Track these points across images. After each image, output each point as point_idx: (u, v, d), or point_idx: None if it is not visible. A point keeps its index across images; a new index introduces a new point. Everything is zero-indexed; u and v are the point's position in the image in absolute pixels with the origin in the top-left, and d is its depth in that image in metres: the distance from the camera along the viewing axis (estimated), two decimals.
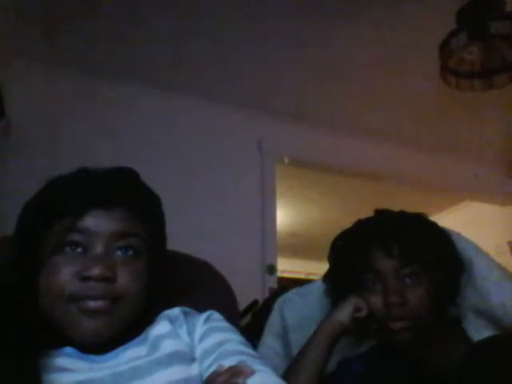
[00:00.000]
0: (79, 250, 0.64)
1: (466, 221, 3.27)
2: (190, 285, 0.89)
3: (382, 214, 1.00)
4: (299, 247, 4.42)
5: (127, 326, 0.66)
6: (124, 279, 0.64)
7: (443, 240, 0.95)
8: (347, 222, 1.04)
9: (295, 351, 0.97)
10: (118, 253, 0.65)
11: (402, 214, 0.98)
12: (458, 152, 2.94)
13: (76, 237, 0.64)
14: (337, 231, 1.04)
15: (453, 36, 1.56)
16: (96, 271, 0.61)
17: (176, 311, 0.74)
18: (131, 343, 0.67)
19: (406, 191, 3.02)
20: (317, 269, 2.85)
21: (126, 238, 0.66)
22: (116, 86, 2.28)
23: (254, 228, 2.39)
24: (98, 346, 0.63)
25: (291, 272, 4.52)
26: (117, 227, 0.66)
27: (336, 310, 0.94)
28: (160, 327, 0.69)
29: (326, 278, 1.03)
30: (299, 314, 1.10)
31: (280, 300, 1.15)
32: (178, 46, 2.13)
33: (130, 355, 0.64)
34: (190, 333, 0.70)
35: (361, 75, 2.31)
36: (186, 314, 0.74)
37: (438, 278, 0.91)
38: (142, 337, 0.69)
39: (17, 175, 1.83)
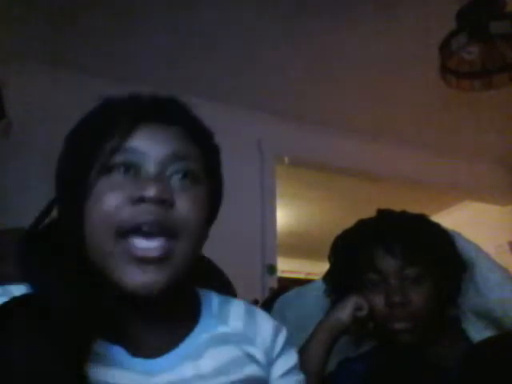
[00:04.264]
0: (130, 172, 0.54)
1: (466, 221, 3.27)
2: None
3: (384, 214, 1.00)
4: (299, 247, 4.42)
5: (184, 278, 0.56)
6: (183, 206, 0.54)
7: (445, 240, 0.95)
8: (347, 222, 1.04)
9: None
10: (175, 177, 0.55)
11: (405, 214, 0.98)
12: (457, 152, 2.94)
13: (125, 158, 0.54)
14: (337, 231, 1.04)
15: (453, 36, 1.56)
16: (151, 192, 0.51)
17: (240, 306, 0.65)
18: (190, 345, 0.57)
19: (405, 191, 3.02)
20: (317, 269, 2.85)
21: (183, 161, 0.56)
22: (115, 86, 2.27)
23: (254, 228, 2.39)
24: (153, 299, 0.52)
25: (291, 272, 4.51)
26: (173, 147, 0.56)
27: (336, 309, 0.94)
28: (223, 318, 0.62)
29: (327, 277, 1.03)
30: (298, 314, 1.10)
31: (280, 300, 1.15)
32: (177, 46, 2.13)
33: (191, 371, 0.55)
34: (268, 353, 0.62)
35: (361, 75, 2.31)
36: (251, 315, 0.65)
37: (439, 279, 0.91)
38: (199, 329, 0.59)
39: (17, 175, 1.83)
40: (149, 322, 0.57)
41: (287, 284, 2.12)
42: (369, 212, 1.02)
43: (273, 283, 2.33)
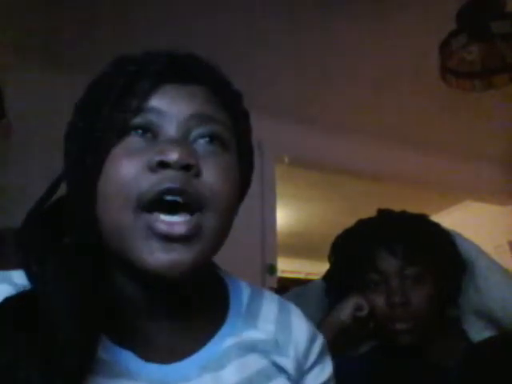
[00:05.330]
0: (147, 136, 0.47)
1: (466, 221, 3.27)
2: None
3: (384, 214, 1.00)
4: (299, 247, 4.42)
5: (211, 259, 0.50)
6: (211, 174, 0.45)
7: (445, 240, 0.95)
8: (347, 222, 1.04)
9: None
10: (201, 141, 0.47)
11: (405, 214, 0.99)
12: (458, 152, 2.94)
13: (142, 119, 0.46)
14: (337, 231, 1.04)
15: (453, 36, 1.55)
16: (173, 155, 0.43)
17: (273, 302, 0.57)
18: (213, 351, 0.49)
19: (405, 191, 3.02)
20: (317, 269, 2.84)
21: (209, 123, 0.48)
22: None
23: (254, 228, 2.39)
24: (176, 282, 0.46)
25: (291, 272, 4.51)
26: (196, 108, 0.48)
27: (337, 309, 0.94)
28: (252, 322, 0.53)
29: (327, 277, 1.03)
30: None
31: None
32: (177, 46, 2.13)
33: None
34: (300, 364, 0.54)
35: (361, 75, 2.31)
36: (285, 315, 0.57)
37: (440, 279, 0.91)
38: (224, 332, 0.51)
39: (17, 175, 1.83)
40: (165, 318, 0.49)
41: (287, 284, 2.12)
42: (369, 212, 1.02)
43: (273, 283, 2.33)
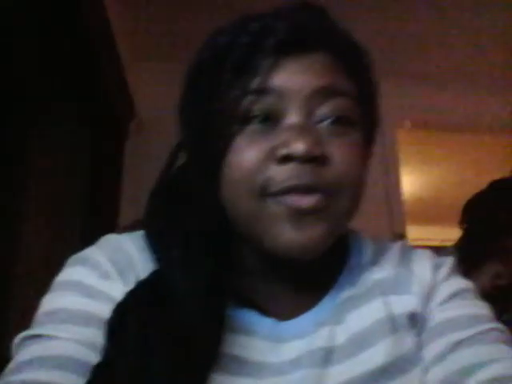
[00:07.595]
0: (270, 120, 0.44)
1: None
2: None
3: None
4: (430, 213, 4.21)
5: (338, 235, 0.47)
6: (339, 160, 0.43)
7: None
8: (477, 182, 0.97)
9: None
10: (325, 122, 0.44)
11: None
12: None
13: (263, 104, 0.43)
14: (466, 193, 0.98)
15: None
16: (299, 147, 0.41)
17: (395, 249, 0.53)
18: (329, 305, 0.48)
19: None
20: (451, 235, 2.69)
21: (332, 99, 0.44)
22: None
23: (378, 198, 2.31)
24: (309, 259, 0.44)
25: (426, 240, 4.32)
26: (318, 80, 0.44)
27: (474, 277, 0.89)
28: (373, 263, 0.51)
29: (459, 245, 0.98)
30: None
31: None
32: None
33: (324, 341, 0.45)
34: (427, 297, 0.48)
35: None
36: (406, 260, 0.52)
37: None
38: (339, 286, 0.49)
39: (150, 169, 1.99)
40: (284, 282, 0.49)
41: None
42: (498, 169, 0.94)
43: None
